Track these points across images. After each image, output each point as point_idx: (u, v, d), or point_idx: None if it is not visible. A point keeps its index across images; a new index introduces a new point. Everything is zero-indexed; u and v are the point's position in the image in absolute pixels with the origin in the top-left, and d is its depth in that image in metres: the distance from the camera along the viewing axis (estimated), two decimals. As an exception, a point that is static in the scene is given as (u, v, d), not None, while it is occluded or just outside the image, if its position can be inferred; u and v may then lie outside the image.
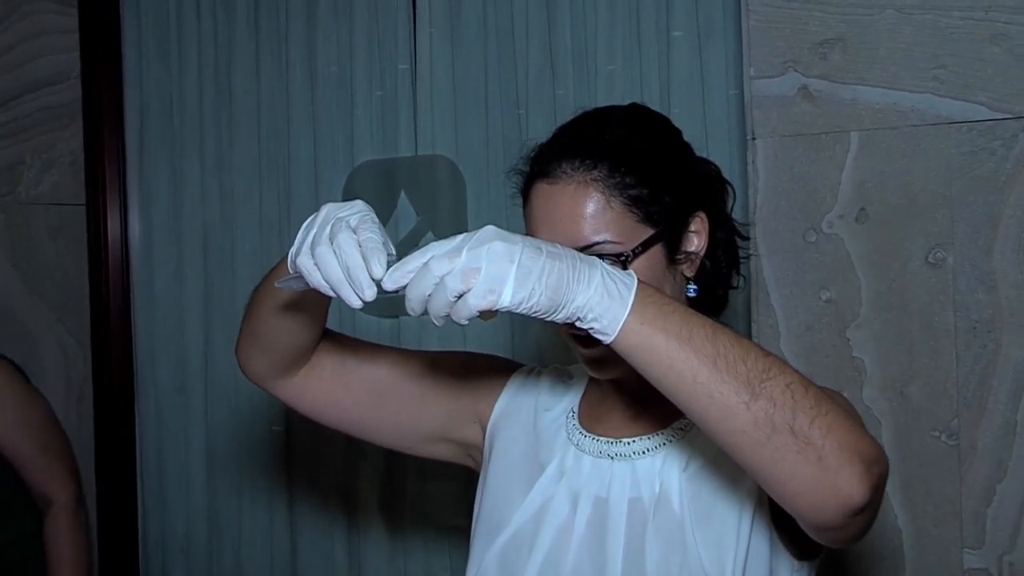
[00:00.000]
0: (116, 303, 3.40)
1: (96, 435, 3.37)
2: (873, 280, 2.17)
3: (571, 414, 1.59)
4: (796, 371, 1.20)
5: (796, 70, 2.22)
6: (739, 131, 2.69)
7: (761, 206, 2.24)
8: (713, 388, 1.15)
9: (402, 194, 3.11)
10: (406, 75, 3.09)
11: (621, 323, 1.16)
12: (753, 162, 2.25)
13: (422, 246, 1.17)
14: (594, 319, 1.16)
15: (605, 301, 1.16)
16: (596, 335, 1.18)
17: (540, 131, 3.03)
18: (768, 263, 2.22)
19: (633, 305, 1.17)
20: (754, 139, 2.25)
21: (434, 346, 2.84)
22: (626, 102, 1.59)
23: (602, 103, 2.63)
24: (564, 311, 1.16)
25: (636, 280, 1.20)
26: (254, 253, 3.28)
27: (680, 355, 1.16)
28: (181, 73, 3.35)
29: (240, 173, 3.30)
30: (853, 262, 2.18)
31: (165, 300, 3.39)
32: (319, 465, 3.26)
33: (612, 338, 1.17)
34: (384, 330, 3.07)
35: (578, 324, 1.18)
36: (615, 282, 1.17)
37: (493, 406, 1.65)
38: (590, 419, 1.56)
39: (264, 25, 3.26)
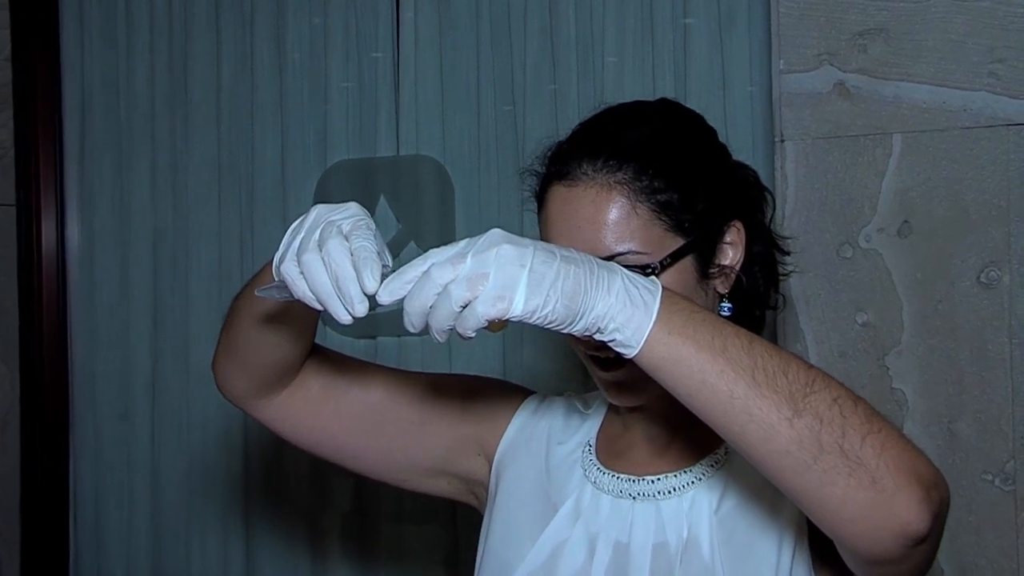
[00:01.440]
0: (50, 318, 3.37)
1: (23, 469, 3.34)
2: (917, 301, 2.18)
3: (588, 448, 1.59)
4: (842, 384, 1.21)
5: (831, 64, 2.24)
6: (765, 133, 2.70)
7: (790, 217, 2.25)
8: (752, 404, 1.17)
9: (381, 199, 3.11)
10: (387, 65, 3.10)
11: (646, 333, 1.18)
12: (781, 168, 2.27)
13: (405, 259, 1.19)
14: (615, 329, 1.18)
15: (628, 309, 1.17)
16: (618, 348, 1.19)
17: (538, 129, 3.06)
18: (798, 281, 2.24)
19: (659, 313, 1.18)
20: (783, 141, 2.27)
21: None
22: (635, 97, 1.61)
23: (609, 98, 2.63)
24: (582, 321, 1.17)
25: (660, 287, 1.21)
26: (211, 264, 3.28)
27: (713, 368, 1.17)
28: (130, 57, 3.34)
29: (196, 173, 3.29)
30: (894, 281, 2.20)
31: (108, 316, 3.38)
32: (281, 504, 3.25)
33: (636, 351, 1.18)
34: (359, 353, 3.07)
35: (597, 337, 1.19)
36: (638, 288, 1.19)
37: (501, 437, 1.65)
38: (609, 454, 1.57)
39: (226, 4, 3.26)
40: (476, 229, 2.93)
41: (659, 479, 1.50)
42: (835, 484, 1.17)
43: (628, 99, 1.61)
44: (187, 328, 3.29)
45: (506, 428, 1.66)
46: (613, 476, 1.53)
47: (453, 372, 1.94)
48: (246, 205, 3.24)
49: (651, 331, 1.18)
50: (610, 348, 1.21)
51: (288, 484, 3.24)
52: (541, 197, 1.48)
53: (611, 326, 1.18)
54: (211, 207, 3.29)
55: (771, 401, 1.17)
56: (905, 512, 1.16)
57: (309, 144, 3.19)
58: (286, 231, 1.30)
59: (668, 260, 1.41)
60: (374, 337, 3.10)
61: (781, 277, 1.59)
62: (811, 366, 1.21)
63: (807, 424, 1.16)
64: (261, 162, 3.22)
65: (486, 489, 1.66)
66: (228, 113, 3.27)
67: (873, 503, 1.16)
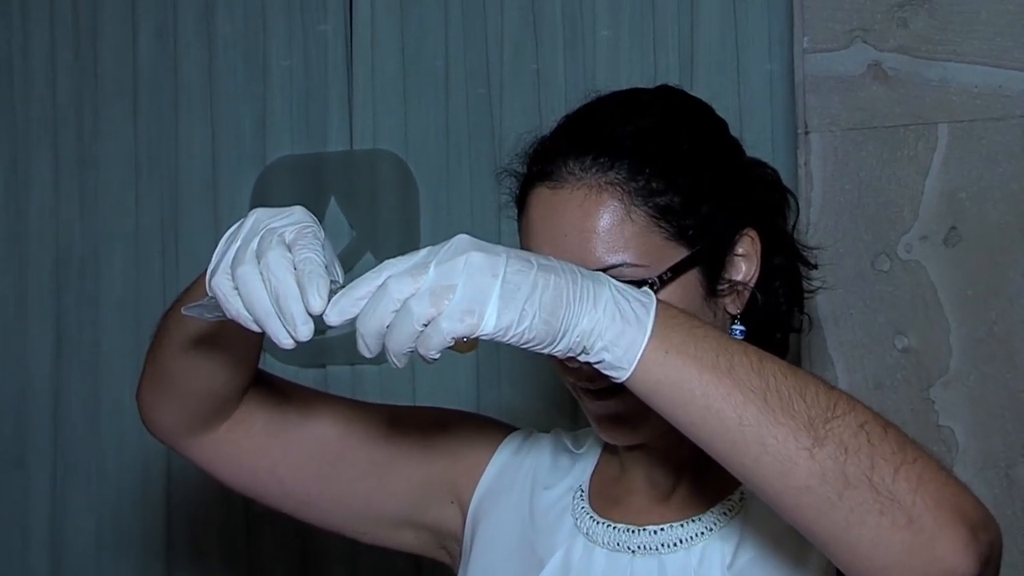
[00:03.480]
0: (-71, 345, 3.38)
1: None
2: (967, 323, 2.20)
3: (579, 493, 1.61)
4: (869, 408, 1.23)
5: (866, 41, 2.25)
6: (786, 124, 2.73)
7: (816, 223, 2.26)
8: (765, 433, 1.18)
9: (332, 203, 3.15)
10: (338, 40, 3.14)
11: (639, 352, 1.19)
12: (805, 165, 2.28)
13: (360, 273, 1.19)
14: (604, 348, 1.19)
15: (617, 324, 1.19)
16: (607, 371, 1.21)
17: (518, 119, 3.09)
18: (826, 299, 2.24)
19: (653, 329, 1.20)
20: (807, 133, 2.27)
21: (373, 406, 2.86)
22: (633, 80, 1.62)
23: (602, 82, 2.68)
24: (565, 339, 1.18)
25: (655, 299, 1.23)
26: (127, 278, 3.30)
27: (719, 391, 1.19)
28: (26, 31, 3.35)
29: (109, 170, 3.31)
30: (940, 298, 2.21)
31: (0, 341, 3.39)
32: (209, 567, 3.25)
33: (628, 373, 1.20)
34: (305, 384, 3.08)
35: (582, 358, 1.20)
36: (629, 301, 1.20)
37: (477, 481, 1.67)
38: (605, 500, 1.59)
39: (144, -35, 3.28)
40: (445, 236, 2.95)
41: (663, 529, 1.52)
42: (864, 524, 1.18)
43: (624, 82, 1.63)
44: (97, 356, 3.30)
45: (484, 470, 1.67)
46: (609, 526, 1.55)
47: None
48: (169, 208, 3.27)
49: (645, 349, 1.19)
50: (599, 373, 1.23)
51: (219, 543, 3.25)
52: (521, 201, 1.51)
53: (598, 344, 1.19)
54: (127, 210, 3.31)
55: (787, 428, 1.18)
56: (949, 556, 1.18)
57: (245, 136, 3.22)
58: (219, 240, 1.30)
59: (669, 274, 1.43)
60: (323, 366, 3.14)
61: (806, 295, 1.61)
62: (832, 387, 1.23)
63: (830, 454, 1.18)
64: (187, 157, 3.24)
65: (459, 542, 1.67)
66: (147, 97, 3.29)
67: (910, 546, 1.18)
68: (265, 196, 3.14)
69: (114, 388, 3.27)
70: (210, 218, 3.22)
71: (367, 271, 1.19)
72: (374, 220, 3.12)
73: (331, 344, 3.06)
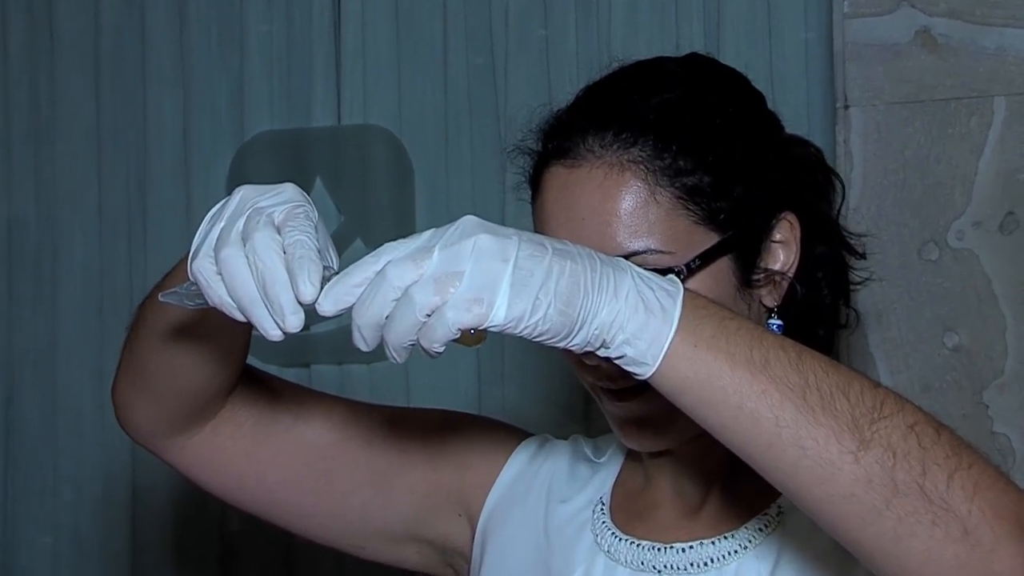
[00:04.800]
0: None
1: None
2: (1025, 318, 2.23)
3: (600, 507, 1.62)
4: (919, 408, 1.23)
5: (913, 5, 2.26)
6: (823, 96, 2.74)
7: (856, 207, 2.27)
8: (804, 435, 1.18)
9: (317, 182, 3.17)
10: (324, 4, 3.14)
11: (665, 346, 1.19)
12: (845, 142, 2.29)
13: (349, 261, 1.20)
14: (625, 342, 1.19)
15: (641, 315, 1.18)
16: (629, 367, 1.21)
17: (524, 91, 3.09)
18: (866, 292, 2.24)
19: (680, 320, 1.19)
20: (847, 107, 2.28)
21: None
22: (652, 48, 1.63)
23: (618, 49, 2.70)
24: (582, 332, 1.18)
25: (682, 287, 1.23)
26: (89, 265, 3.31)
27: (753, 389, 1.19)
28: (-30, -10, 3.37)
29: (68, 146, 3.32)
30: (995, 291, 2.23)
31: (-56, 336, 3.40)
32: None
33: (653, 369, 1.19)
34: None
35: (602, 352, 1.20)
36: (653, 290, 1.20)
37: (488, 492, 1.68)
38: (628, 514, 1.60)
39: (105, -85, 3.28)
40: (443, 221, 2.93)
41: (692, 547, 1.53)
42: (915, 536, 1.18)
43: (642, 49, 1.63)
44: (54, 352, 3.31)
45: (495, 480, 1.68)
46: (632, 543, 1.56)
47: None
48: (136, 188, 3.28)
49: (671, 343, 1.19)
50: (620, 371, 1.23)
51: (190, 565, 3.27)
52: (535, 182, 1.52)
53: (620, 338, 1.18)
54: (89, 190, 3.31)
55: (829, 430, 1.18)
56: (1007, 572, 1.18)
57: (220, 109, 3.23)
58: (194, 222, 1.30)
59: (697, 262, 1.44)
60: (307, 365, 3.16)
61: (853, 287, 1.62)
62: (878, 385, 1.22)
63: (876, 458, 1.18)
64: (156, 132, 3.25)
65: (467, 559, 1.68)
66: (111, 68, 3.29)
67: (965, 560, 1.18)
68: (242, 176, 3.14)
69: (73, 388, 3.27)
70: (181, 199, 3.23)
71: (359, 259, 1.19)
72: (364, 204, 3.13)
73: (316, 341, 3.07)
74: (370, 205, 3.13)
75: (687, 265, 1.44)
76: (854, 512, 1.20)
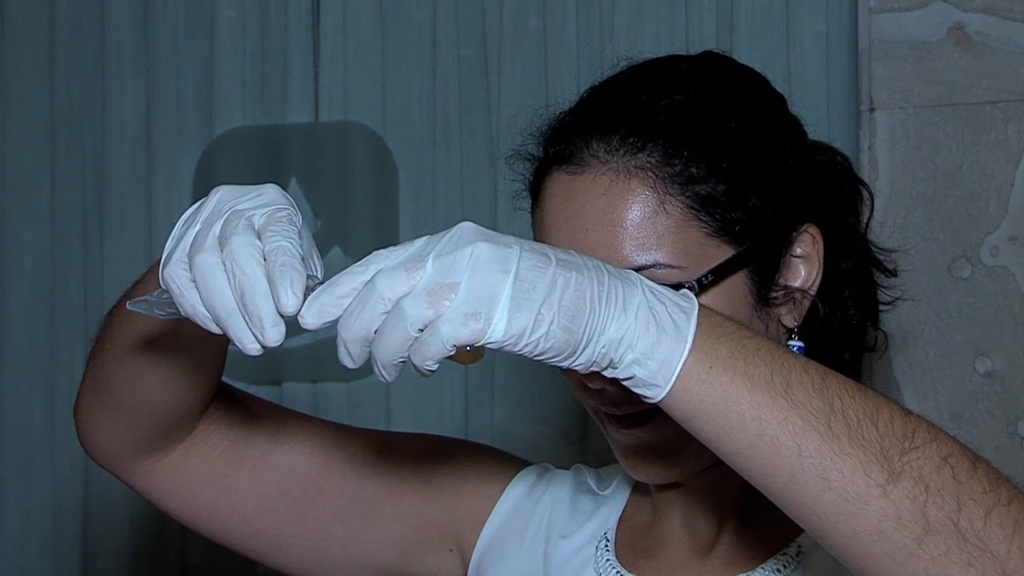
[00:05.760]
0: None
1: None
2: (1065, 342, 2.22)
3: (604, 543, 1.62)
4: (954, 438, 1.22)
5: (945, 0, 2.27)
6: (846, 98, 2.75)
7: (883, 219, 2.26)
8: (828, 466, 1.18)
9: (292, 183, 3.17)
10: (302, -8, 3.16)
11: (678, 367, 1.18)
12: (869, 148, 2.29)
13: (328, 269, 1.20)
14: (635, 362, 1.18)
15: (652, 333, 1.18)
16: (638, 390, 1.20)
17: (518, 86, 3.09)
18: (892, 311, 2.25)
19: (695, 339, 1.19)
20: (872, 111, 2.28)
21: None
22: (658, 42, 1.62)
23: (621, 41, 2.70)
24: (588, 350, 1.17)
25: (696, 303, 1.22)
26: (39, 269, 3.30)
27: (774, 415, 1.18)
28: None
29: (18, 139, 3.33)
30: (1032, 312, 2.24)
31: None
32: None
33: (664, 392, 1.19)
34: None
35: (609, 373, 1.20)
36: (665, 305, 1.20)
37: (483, 526, 1.67)
38: (634, 552, 1.60)
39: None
40: (428, 225, 2.98)
41: (705, 587, 1.54)
42: None
43: (648, 41, 1.62)
44: (3, 361, 3.30)
45: (491, 513, 1.68)
46: None
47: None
48: (93, 186, 3.27)
49: (685, 363, 1.18)
50: (627, 395, 1.23)
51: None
52: (536, 189, 1.52)
53: (628, 357, 1.18)
54: (41, 188, 3.32)
55: (856, 460, 1.17)
56: None
57: (187, 102, 3.23)
58: (164, 224, 1.29)
59: (710, 277, 1.44)
60: (279, 383, 3.16)
61: (883, 308, 1.63)
62: (909, 412, 1.22)
63: (907, 492, 1.17)
64: (115, 126, 3.25)
65: (459, 600, 1.69)
66: (66, 56, 3.29)
67: None
68: (210, 175, 3.14)
69: (20, 403, 3.27)
70: (142, 200, 3.20)
71: (340, 270, 1.18)
72: (343, 207, 3.13)
73: (289, 356, 3.07)
74: (350, 209, 3.13)
75: (699, 281, 1.44)
76: (882, 551, 1.19)
